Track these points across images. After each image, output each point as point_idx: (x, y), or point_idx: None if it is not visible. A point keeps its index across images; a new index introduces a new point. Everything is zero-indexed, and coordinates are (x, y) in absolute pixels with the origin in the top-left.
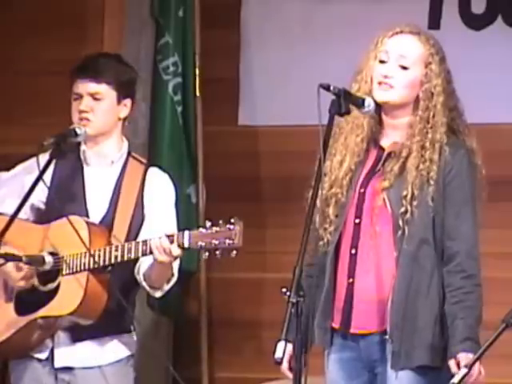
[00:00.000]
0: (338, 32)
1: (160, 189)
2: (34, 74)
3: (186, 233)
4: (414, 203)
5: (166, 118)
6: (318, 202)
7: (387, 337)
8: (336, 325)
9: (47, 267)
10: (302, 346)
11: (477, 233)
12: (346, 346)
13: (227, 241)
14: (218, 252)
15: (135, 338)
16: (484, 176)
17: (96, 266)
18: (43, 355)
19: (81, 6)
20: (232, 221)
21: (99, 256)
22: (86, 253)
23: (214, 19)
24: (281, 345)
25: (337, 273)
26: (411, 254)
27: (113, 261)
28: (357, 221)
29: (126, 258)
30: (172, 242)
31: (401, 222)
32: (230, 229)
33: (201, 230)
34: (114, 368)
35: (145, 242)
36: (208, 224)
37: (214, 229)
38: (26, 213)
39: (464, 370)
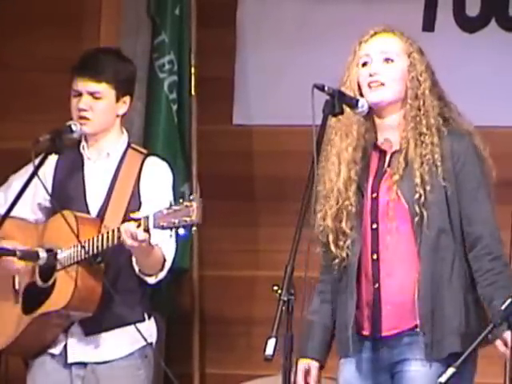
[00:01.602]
0: (333, 32)
1: (156, 176)
2: (30, 71)
3: (151, 215)
4: (428, 188)
5: (161, 116)
6: (311, 200)
7: (418, 329)
8: (366, 332)
9: (41, 262)
10: (293, 343)
11: (494, 215)
12: (365, 346)
13: (185, 218)
14: (179, 230)
15: (153, 325)
16: (488, 156)
17: (84, 257)
18: (56, 350)
19: (78, 4)
20: (191, 198)
21: (84, 248)
22: (74, 245)
23: (210, 18)
24: (271, 342)
25: (360, 282)
26: (431, 244)
27: (95, 251)
28: (374, 226)
29: (105, 247)
30: (139, 226)
31: (417, 208)
32: (187, 206)
33: (163, 210)
34: (127, 362)
35: (118, 229)
36: (170, 204)
37: (173, 208)
38: (34, 213)
39: (452, 370)
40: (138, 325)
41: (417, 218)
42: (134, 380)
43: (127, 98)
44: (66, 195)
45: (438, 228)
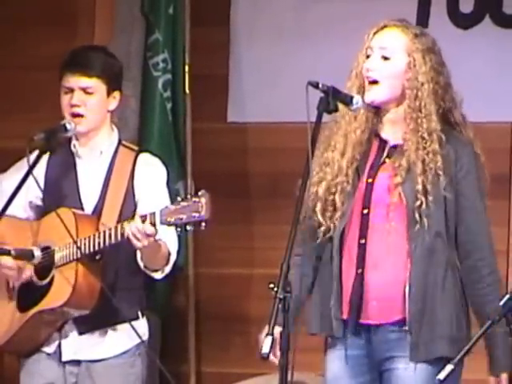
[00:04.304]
0: (327, 29)
1: (150, 172)
2: (25, 70)
3: (157, 211)
4: (430, 198)
5: (156, 115)
6: (306, 197)
7: (406, 328)
8: (345, 316)
9: (36, 261)
10: (289, 341)
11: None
12: (354, 342)
13: (194, 214)
14: (188, 227)
15: (145, 323)
16: (485, 164)
17: (82, 255)
18: (51, 349)
19: (72, 3)
20: (199, 194)
21: (84, 245)
22: (72, 243)
23: (203, 16)
24: (267, 340)
25: (342, 263)
26: (427, 247)
27: (96, 248)
28: (365, 211)
29: (107, 244)
30: (143, 222)
31: (417, 216)
32: (195, 201)
33: (170, 206)
34: (121, 359)
35: (122, 225)
36: (178, 199)
37: (182, 204)
38: (25, 211)
39: (450, 367)
40: (133, 323)
41: (417, 226)
42: (128, 378)
43: (117, 94)
44: (60, 193)
45: (435, 232)
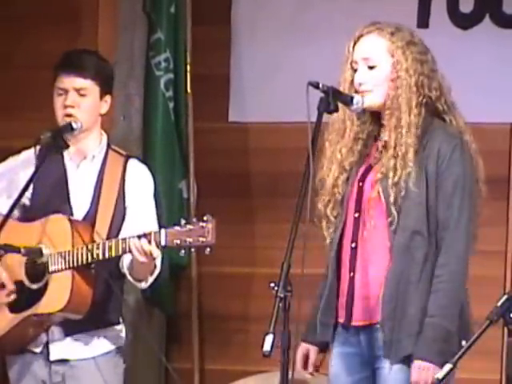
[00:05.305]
0: (328, 28)
1: (139, 180)
2: (27, 68)
3: (163, 231)
4: (402, 193)
5: (159, 114)
6: (307, 196)
7: (378, 326)
8: (341, 319)
9: (45, 259)
10: (290, 339)
11: (468, 222)
12: (348, 340)
13: (200, 238)
14: (192, 249)
15: (123, 330)
16: (477, 153)
17: (79, 263)
18: (38, 349)
19: (75, 1)
20: (205, 218)
21: (82, 254)
22: (69, 251)
23: (204, 16)
24: (269, 338)
25: (340, 268)
26: (403, 245)
27: (95, 258)
28: (356, 215)
29: (107, 256)
30: (149, 241)
31: (393, 209)
32: (202, 227)
33: (176, 227)
34: (106, 358)
35: (124, 240)
36: (182, 222)
37: (188, 227)
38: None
39: (449, 366)
40: (115, 327)
41: (390, 219)
42: (113, 377)
43: (108, 97)
44: (48, 195)
45: (413, 230)
